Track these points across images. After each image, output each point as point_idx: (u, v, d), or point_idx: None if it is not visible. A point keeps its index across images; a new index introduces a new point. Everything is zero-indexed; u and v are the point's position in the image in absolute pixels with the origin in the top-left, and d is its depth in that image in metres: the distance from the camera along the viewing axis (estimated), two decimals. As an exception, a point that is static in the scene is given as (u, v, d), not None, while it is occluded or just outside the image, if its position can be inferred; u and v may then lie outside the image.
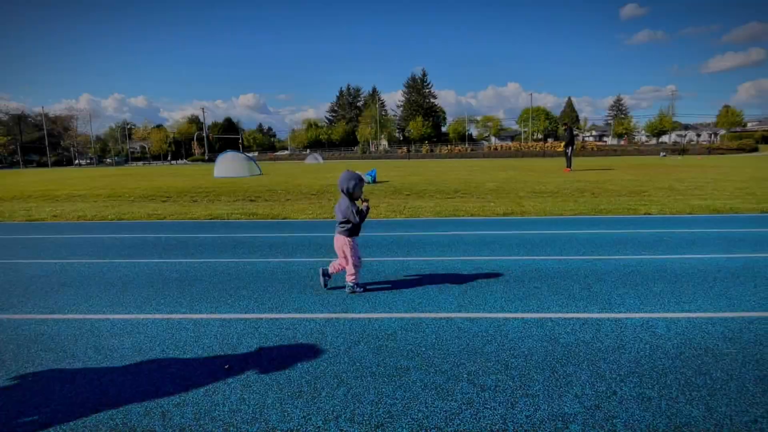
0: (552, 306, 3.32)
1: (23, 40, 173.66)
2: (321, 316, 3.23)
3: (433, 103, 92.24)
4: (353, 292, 3.71)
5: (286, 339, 2.85)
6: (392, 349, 2.67)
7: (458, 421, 1.93)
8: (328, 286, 3.82)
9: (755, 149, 56.40)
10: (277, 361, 2.53)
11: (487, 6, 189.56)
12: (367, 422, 1.94)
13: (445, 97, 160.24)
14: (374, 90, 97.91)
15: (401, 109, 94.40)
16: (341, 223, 3.66)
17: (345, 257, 3.68)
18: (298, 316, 3.24)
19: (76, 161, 78.77)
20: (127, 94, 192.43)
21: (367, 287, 3.81)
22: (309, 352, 2.65)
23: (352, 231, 3.67)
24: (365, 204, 3.70)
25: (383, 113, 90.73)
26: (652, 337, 2.75)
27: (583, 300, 3.44)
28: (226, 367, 2.48)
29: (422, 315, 3.20)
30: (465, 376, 2.32)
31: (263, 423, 1.96)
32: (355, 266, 3.70)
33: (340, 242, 3.68)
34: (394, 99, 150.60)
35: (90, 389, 2.28)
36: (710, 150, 56.51)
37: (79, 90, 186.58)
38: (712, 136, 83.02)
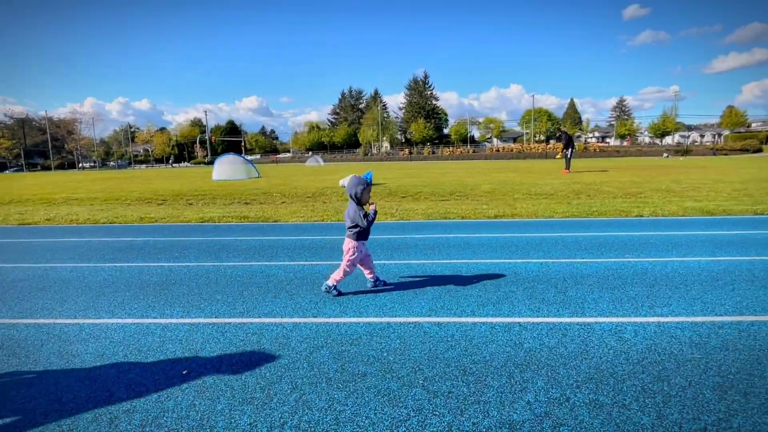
0: (523, 310, 3.29)
1: (28, 44, 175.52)
2: (289, 320, 3.22)
3: (435, 105, 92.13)
4: (328, 291, 3.71)
5: (250, 344, 2.84)
6: (353, 354, 2.65)
7: (403, 429, 1.91)
8: (380, 284, 3.96)
9: (759, 150, 55.94)
10: (236, 367, 2.52)
11: (489, 8, 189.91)
12: (313, 429, 1.93)
13: (447, 99, 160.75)
14: (376, 92, 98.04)
15: (403, 111, 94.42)
16: (350, 227, 3.69)
17: (344, 258, 3.71)
18: (266, 320, 3.23)
19: (80, 165, 79.25)
20: (132, 97, 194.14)
21: (342, 292, 3.79)
22: (269, 357, 2.63)
23: (360, 235, 3.71)
24: (372, 207, 3.72)
25: (385, 115, 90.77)
26: (618, 343, 2.72)
27: (555, 304, 3.41)
28: (184, 372, 2.47)
29: (391, 319, 3.18)
30: (420, 382, 2.30)
31: (208, 430, 1.94)
32: (345, 272, 3.71)
33: (347, 245, 3.72)
34: (396, 101, 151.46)
35: (45, 395, 2.28)
36: (714, 151, 56.13)
37: (83, 94, 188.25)
38: (716, 136, 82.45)
